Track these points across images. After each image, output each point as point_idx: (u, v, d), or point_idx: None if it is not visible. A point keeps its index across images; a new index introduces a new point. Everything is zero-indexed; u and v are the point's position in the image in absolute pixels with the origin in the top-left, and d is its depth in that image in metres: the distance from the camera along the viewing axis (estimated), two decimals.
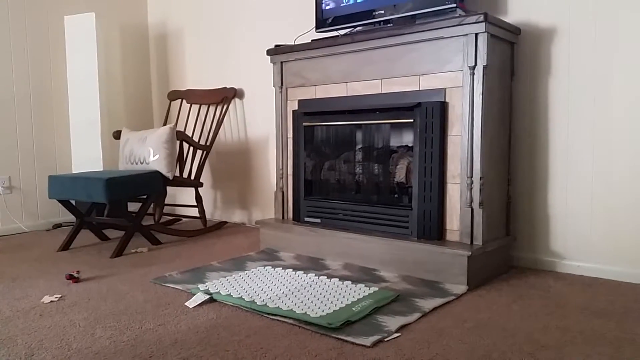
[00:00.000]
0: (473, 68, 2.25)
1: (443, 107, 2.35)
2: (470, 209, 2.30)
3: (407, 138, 2.73)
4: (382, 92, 2.55)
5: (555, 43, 2.45)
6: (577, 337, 1.68)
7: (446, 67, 2.33)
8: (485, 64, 2.22)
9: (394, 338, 1.67)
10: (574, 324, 1.79)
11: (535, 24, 2.48)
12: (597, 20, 2.32)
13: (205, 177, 3.90)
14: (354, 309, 1.88)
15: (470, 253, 2.19)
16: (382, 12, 2.62)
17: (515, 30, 2.45)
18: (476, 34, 2.23)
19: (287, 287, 2.17)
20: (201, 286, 2.19)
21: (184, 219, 3.97)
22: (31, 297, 2.15)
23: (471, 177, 2.29)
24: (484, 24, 2.19)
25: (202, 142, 3.73)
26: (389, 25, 2.59)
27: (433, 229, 2.38)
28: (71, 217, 3.39)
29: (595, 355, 1.54)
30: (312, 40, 2.87)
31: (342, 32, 2.80)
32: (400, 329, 1.74)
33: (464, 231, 2.32)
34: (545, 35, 2.47)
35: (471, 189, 2.30)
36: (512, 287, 2.23)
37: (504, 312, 1.93)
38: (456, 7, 2.36)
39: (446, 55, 2.33)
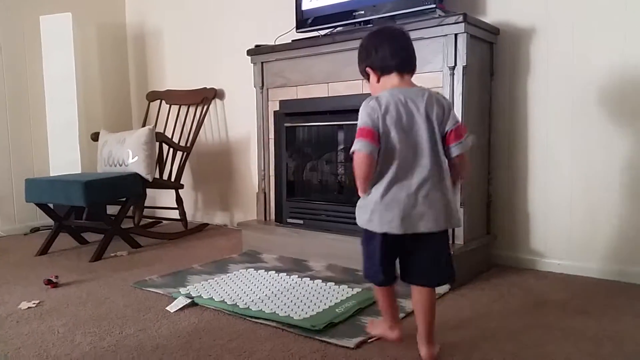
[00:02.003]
0: (453, 68, 2.26)
1: None
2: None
3: None
4: (364, 92, 2.55)
5: (534, 43, 2.47)
6: (558, 335, 1.70)
7: (426, 67, 2.34)
8: (464, 64, 2.24)
9: (377, 339, 1.67)
10: (555, 322, 1.81)
11: (513, 24, 2.51)
12: (575, 20, 2.35)
13: (185, 179, 3.86)
14: (337, 310, 1.87)
15: (452, 252, 2.19)
16: (362, 12, 2.62)
17: (494, 30, 2.47)
18: (455, 35, 2.24)
19: (269, 290, 2.16)
20: (182, 290, 2.17)
21: (164, 222, 3.92)
22: (8, 303, 2.10)
23: None
24: (463, 24, 2.20)
25: (182, 144, 3.69)
26: (369, 25, 2.60)
27: None
28: (49, 221, 3.32)
29: (576, 353, 1.56)
30: (292, 41, 2.86)
31: (322, 32, 2.80)
32: None
33: None
34: (524, 35, 2.49)
35: None
36: (493, 286, 2.25)
37: (485, 311, 1.94)
38: (436, 7, 2.36)
39: (426, 55, 2.34)
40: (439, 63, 2.30)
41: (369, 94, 1.61)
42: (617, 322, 1.81)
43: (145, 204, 3.57)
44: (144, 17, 4.29)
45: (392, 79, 1.54)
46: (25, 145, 3.76)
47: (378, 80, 1.57)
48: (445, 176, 1.49)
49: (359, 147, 1.46)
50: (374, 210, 1.47)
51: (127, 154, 3.20)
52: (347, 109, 2.61)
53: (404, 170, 1.45)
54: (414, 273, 1.53)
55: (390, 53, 1.53)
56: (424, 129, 1.46)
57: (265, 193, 3.05)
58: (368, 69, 1.58)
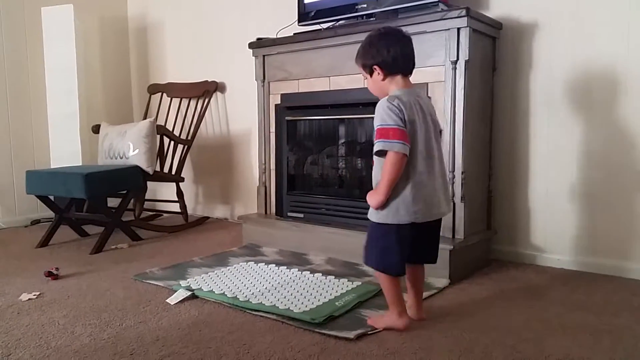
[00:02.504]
0: (455, 63, 2.25)
1: None
2: (452, 203, 2.31)
3: None
4: (365, 86, 2.53)
5: (536, 38, 2.46)
6: (557, 330, 1.70)
7: (428, 61, 2.33)
8: (467, 58, 2.23)
9: (377, 332, 1.67)
10: (554, 317, 1.81)
11: (516, 19, 2.50)
12: (578, 15, 2.34)
13: (186, 172, 3.87)
14: (337, 303, 1.88)
15: (452, 247, 2.20)
16: (365, 5, 2.61)
17: (496, 25, 2.46)
18: (458, 29, 2.23)
19: (270, 283, 2.16)
20: (183, 282, 2.17)
21: (164, 215, 3.92)
22: (9, 295, 2.11)
23: (453, 171, 2.30)
24: (465, 18, 2.20)
25: (183, 137, 3.69)
26: (371, 19, 2.59)
27: None
28: (50, 213, 3.32)
29: (575, 347, 1.56)
30: (294, 34, 2.85)
31: (324, 25, 2.79)
32: None
33: (446, 225, 2.33)
34: (526, 30, 2.48)
35: (453, 183, 2.31)
36: (493, 281, 2.25)
37: (485, 305, 1.94)
38: (438, 1, 2.35)
39: (428, 49, 2.33)
40: (441, 57, 2.29)
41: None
42: (616, 316, 1.81)
43: (146, 197, 3.57)
44: (145, 9, 4.27)
45: (397, 80, 1.66)
46: (26, 137, 3.76)
47: (383, 79, 1.66)
48: (445, 166, 1.71)
49: (399, 148, 1.54)
50: (401, 203, 1.58)
51: (128, 146, 3.20)
52: (348, 103, 2.61)
53: (424, 163, 1.60)
54: (422, 254, 1.73)
55: (401, 55, 1.64)
56: (431, 126, 1.65)
57: (265, 187, 3.05)
58: (376, 67, 1.66)
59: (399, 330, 1.66)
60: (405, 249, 1.63)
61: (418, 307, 1.77)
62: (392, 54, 1.63)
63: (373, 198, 1.60)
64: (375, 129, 1.59)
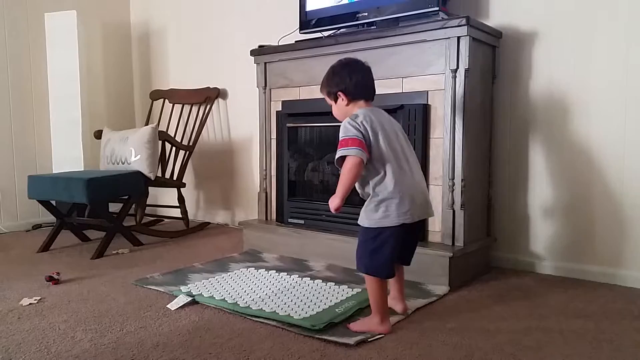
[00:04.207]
0: (455, 71, 2.27)
1: (425, 109, 2.36)
2: (451, 210, 2.32)
3: None
4: None
5: (536, 47, 2.48)
6: (557, 338, 1.70)
7: (429, 69, 2.35)
8: (467, 67, 2.24)
9: (377, 338, 1.68)
10: (554, 325, 1.82)
11: (516, 28, 2.51)
12: (577, 24, 2.36)
13: (187, 178, 3.88)
14: (337, 310, 1.88)
15: (451, 254, 2.21)
16: (366, 14, 2.63)
17: (496, 33, 2.48)
18: (458, 37, 2.25)
19: (270, 289, 2.17)
20: (183, 288, 2.18)
21: (166, 220, 3.93)
22: (9, 300, 2.11)
23: (453, 179, 2.31)
24: (466, 27, 2.21)
25: (185, 142, 3.70)
26: (372, 27, 2.60)
27: None
28: (51, 218, 3.33)
29: (575, 356, 1.56)
30: (296, 41, 2.87)
31: (326, 33, 2.81)
32: None
33: (446, 232, 2.34)
34: (526, 39, 2.50)
35: (452, 190, 2.32)
36: (493, 288, 2.25)
37: (485, 312, 1.95)
38: (439, 10, 2.37)
39: (429, 58, 2.35)
40: (441, 65, 2.31)
41: None
42: (615, 325, 1.81)
43: (147, 202, 3.58)
44: (148, 16, 4.30)
45: (360, 104, 1.81)
46: (28, 142, 3.78)
47: (347, 104, 1.81)
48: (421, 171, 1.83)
49: (355, 153, 1.66)
50: (389, 205, 1.67)
51: (130, 152, 3.21)
52: None
53: (401, 168, 1.71)
54: (405, 254, 1.84)
55: (362, 83, 1.80)
56: (401, 135, 1.79)
57: (266, 193, 3.06)
58: (340, 93, 1.81)
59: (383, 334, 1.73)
60: (394, 251, 1.71)
61: (401, 299, 1.88)
62: (354, 81, 1.78)
63: (332, 202, 1.71)
64: (338, 142, 1.71)
